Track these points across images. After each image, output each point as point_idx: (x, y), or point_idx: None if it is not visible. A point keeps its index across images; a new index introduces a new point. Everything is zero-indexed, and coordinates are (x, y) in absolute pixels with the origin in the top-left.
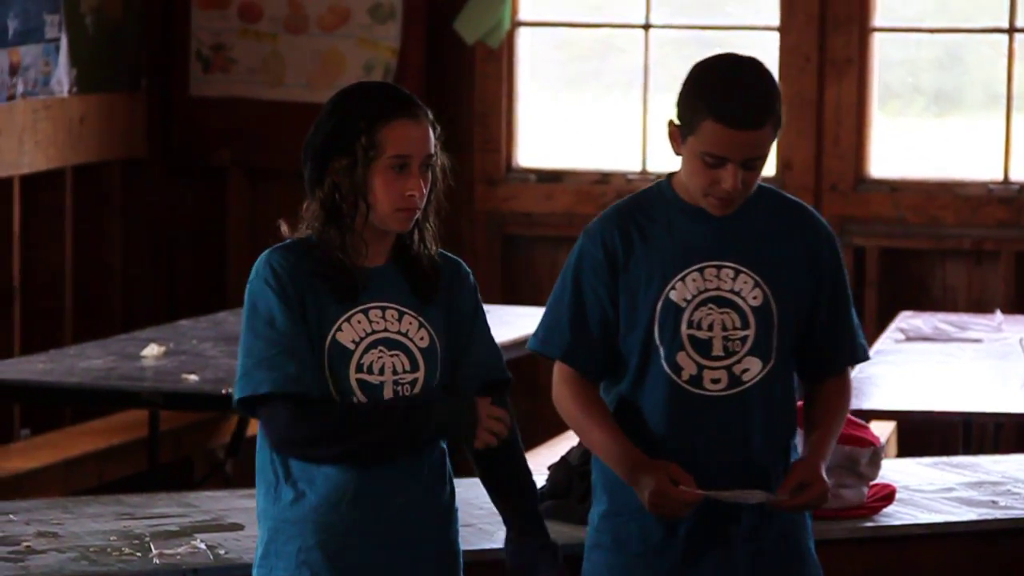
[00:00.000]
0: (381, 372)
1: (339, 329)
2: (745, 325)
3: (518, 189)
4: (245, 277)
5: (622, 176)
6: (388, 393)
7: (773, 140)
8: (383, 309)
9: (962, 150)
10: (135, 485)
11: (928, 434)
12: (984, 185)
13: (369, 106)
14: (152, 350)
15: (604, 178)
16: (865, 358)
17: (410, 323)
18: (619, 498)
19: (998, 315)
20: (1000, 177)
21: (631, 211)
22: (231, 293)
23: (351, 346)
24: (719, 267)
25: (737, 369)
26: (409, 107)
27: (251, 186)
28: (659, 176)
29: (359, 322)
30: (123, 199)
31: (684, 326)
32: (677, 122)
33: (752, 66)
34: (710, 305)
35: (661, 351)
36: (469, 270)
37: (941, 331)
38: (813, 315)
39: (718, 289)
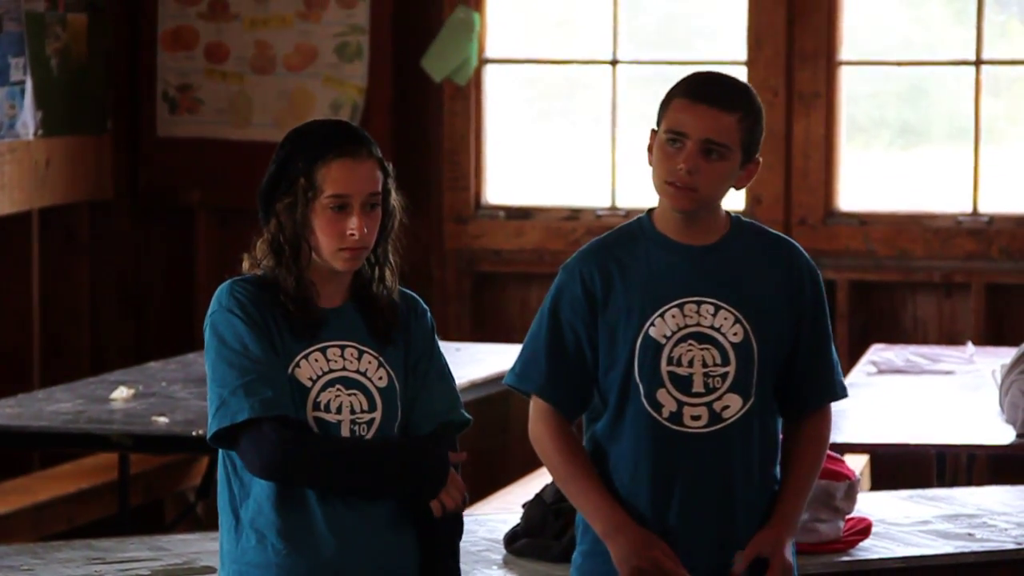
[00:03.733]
0: (339, 411)
1: (297, 366)
2: (726, 361)
3: (487, 226)
4: None
5: (591, 212)
6: (344, 432)
7: (740, 139)
8: (342, 348)
9: (929, 183)
10: (106, 529)
11: (901, 467)
12: (953, 217)
13: (309, 145)
14: (121, 393)
15: (574, 214)
16: (844, 395)
17: (369, 362)
18: (599, 538)
19: (969, 347)
20: (969, 209)
21: (611, 247)
22: (200, 334)
23: (308, 383)
24: (699, 303)
25: (717, 406)
26: (349, 145)
27: (220, 226)
28: (629, 212)
29: (316, 360)
30: (90, 241)
31: (664, 363)
32: (655, 127)
33: (734, 77)
34: (690, 341)
35: (641, 388)
36: (426, 308)
37: (913, 364)
38: (794, 351)
39: (698, 325)
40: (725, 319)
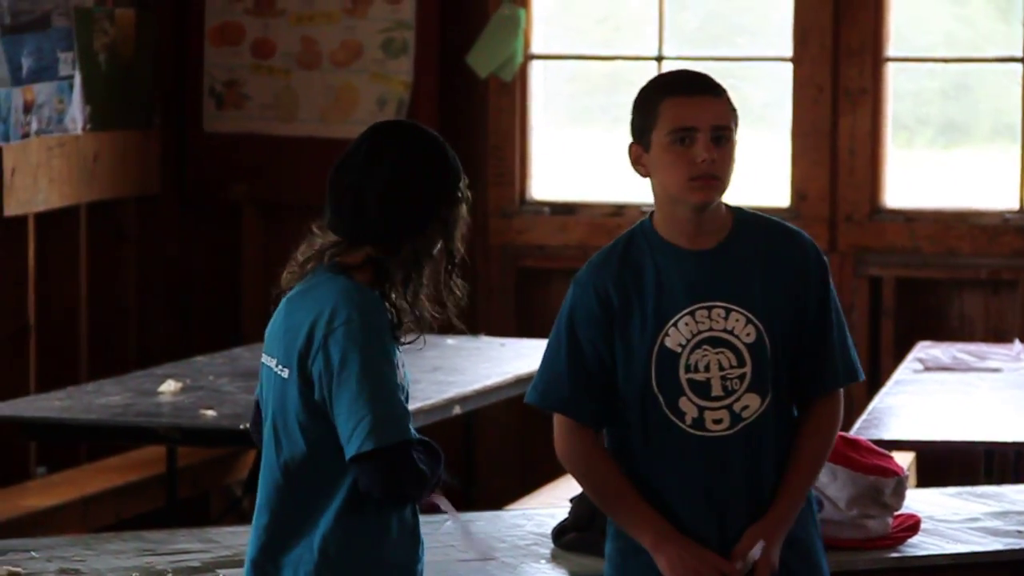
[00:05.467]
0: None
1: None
2: (741, 363)
3: (532, 222)
4: (261, 313)
5: (636, 208)
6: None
7: (732, 120)
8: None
9: (975, 180)
10: (153, 522)
11: (948, 464)
12: (1000, 214)
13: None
14: (169, 386)
15: (618, 210)
16: (854, 379)
17: None
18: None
19: (1016, 344)
20: (1016, 206)
21: (620, 257)
22: (246, 329)
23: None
24: (710, 308)
25: (737, 407)
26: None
27: (265, 221)
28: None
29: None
30: (137, 236)
31: (682, 370)
32: (636, 141)
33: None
34: (705, 346)
35: (661, 398)
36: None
37: (960, 361)
38: (800, 338)
39: (711, 330)
40: (737, 321)
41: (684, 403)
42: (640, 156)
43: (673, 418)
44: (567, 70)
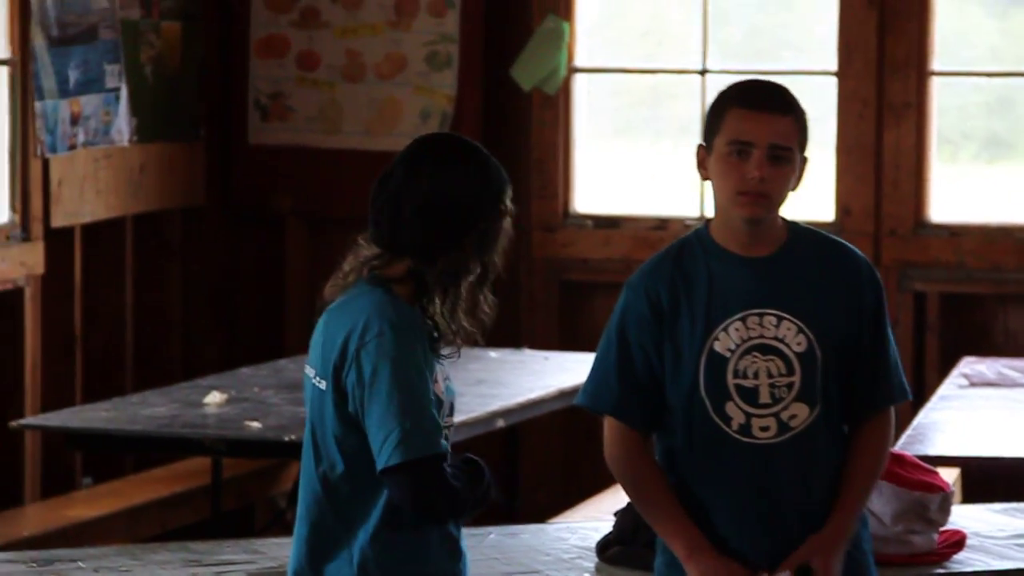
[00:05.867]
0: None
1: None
2: (790, 371)
3: (575, 235)
4: (305, 325)
5: (679, 221)
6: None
7: (797, 140)
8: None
9: (1020, 194)
10: (197, 533)
11: (994, 480)
12: None
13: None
14: (214, 397)
15: (662, 224)
16: (905, 398)
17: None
18: None
19: None
20: None
21: (673, 262)
22: (291, 341)
23: (447, 407)
24: (761, 315)
25: (784, 416)
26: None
27: (309, 233)
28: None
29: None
30: (182, 247)
31: (730, 376)
32: (703, 143)
33: (770, 81)
34: (755, 353)
35: (707, 402)
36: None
37: (1005, 376)
38: (854, 355)
39: (761, 337)
40: (788, 329)
41: (731, 408)
42: (704, 159)
43: (720, 423)
44: (611, 83)
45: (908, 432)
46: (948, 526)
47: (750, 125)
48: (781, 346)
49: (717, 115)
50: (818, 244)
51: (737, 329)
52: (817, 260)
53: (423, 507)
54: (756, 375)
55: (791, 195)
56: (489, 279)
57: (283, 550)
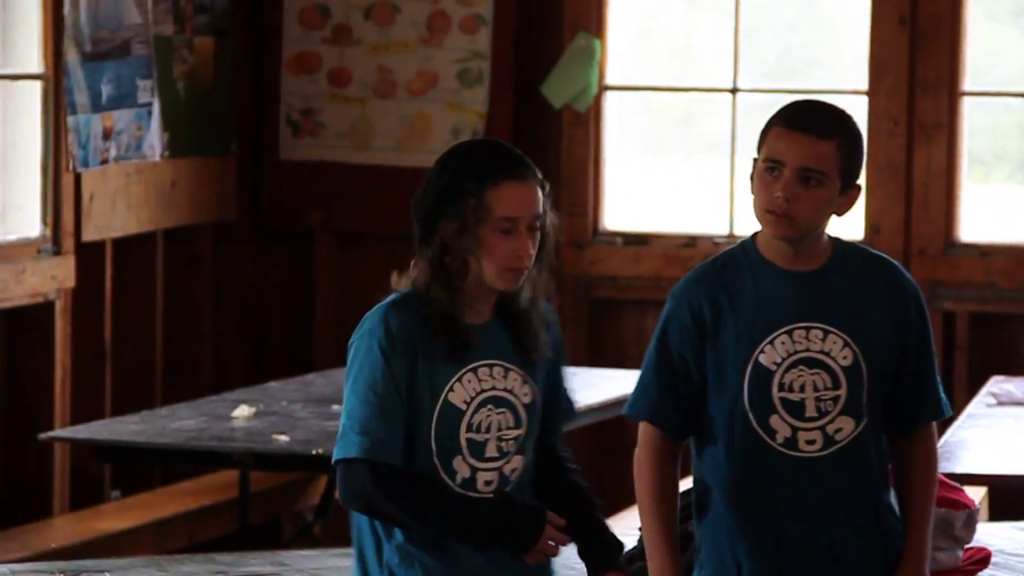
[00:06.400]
0: (488, 430)
1: (451, 389)
2: (836, 385)
3: (605, 252)
4: (333, 339)
5: (709, 239)
6: (491, 450)
7: (838, 166)
8: (491, 367)
9: None
10: (225, 546)
11: (1021, 499)
12: None
13: (478, 167)
14: (242, 411)
15: (691, 241)
16: (949, 414)
17: (515, 380)
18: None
19: None
20: None
21: (717, 273)
22: (319, 355)
23: (463, 406)
24: (807, 328)
25: (830, 429)
26: (517, 168)
27: (339, 249)
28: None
29: (470, 381)
30: (213, 262)
31: (775, 389)
32: (756, 156)
33: (832, 104)
34: (800, 367)
35: (752, 416)
36: (556, 317)
37: None
38: (899, 371)
39: (808, 351)
40: (834, 343)
41: (776, 422)
42: (753, 172)
43: (764, 436)
44: (642, 101)
45: None
46: (973, 543)
47: (784, 144)
48: (827, 360)
49: (764, 131)
50: (864, 260)
51: (783, 342)
52: (863, 275)
53: (345, 504)
54: (803, 388)
55: (833, 219)
56: (439, 276)
57: (309, 562)
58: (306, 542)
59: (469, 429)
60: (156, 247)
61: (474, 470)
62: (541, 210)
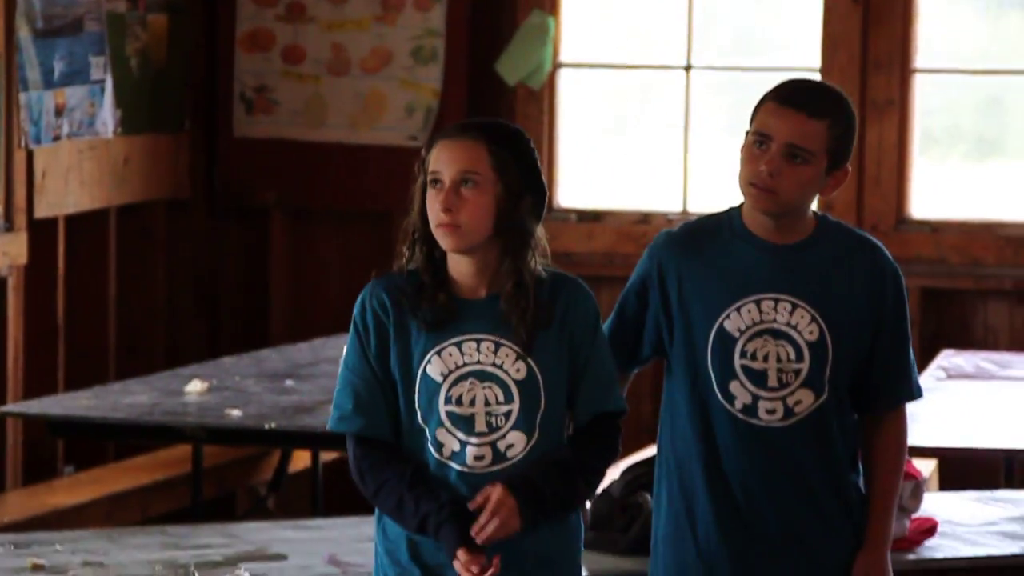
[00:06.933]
0: (472, 404)
1: (428, 362)
2: (799, 358)
3: (559, 229)
4: (288, 316)
5: (663, 216)
6: (479, 425)
7: (826, 146)
8: (478, 341)
9: (1005, 193)
10: (178, 521)
11: (969, 471)
12: None
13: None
14: (195, 386)
15: (645, 218)
16: (920, 396)
17: (507, 355)
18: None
19: None
20: None
21: (695, 234)
22: (274, 331)
23: (439, 378)
24: (776, 300)
25: (791, 401)
26: (456, 129)
27: (294, 225)
28: (700, 217)
29: (451, 355)
30: (167, 239)
31: (737, 356)
32: (748, 128)
33: (829, 84)
34: (765, 336)
35: (713, 379)
36: (589, 293)
37: (983, 370)
38: (872, 350)
39: (774, 322)
40: (801, 317)
41: (736, 388)
42: (743, 145)
43: (724, 402)
44: (596, 79)
45: None
46: (920, 514)
47: (774, 119)
48: (792, 332)
49: (758, 105)
50: (845, 238)
51: (749, 311)
52: (841, 253)
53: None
54: (765, 358)
55: (816, 199)
56: (416, 233)
57: (260, 535)
58: (260, 516)
59: (449, 402)
60: (109, 224)
61: (463, 444)
62: (478, 168)
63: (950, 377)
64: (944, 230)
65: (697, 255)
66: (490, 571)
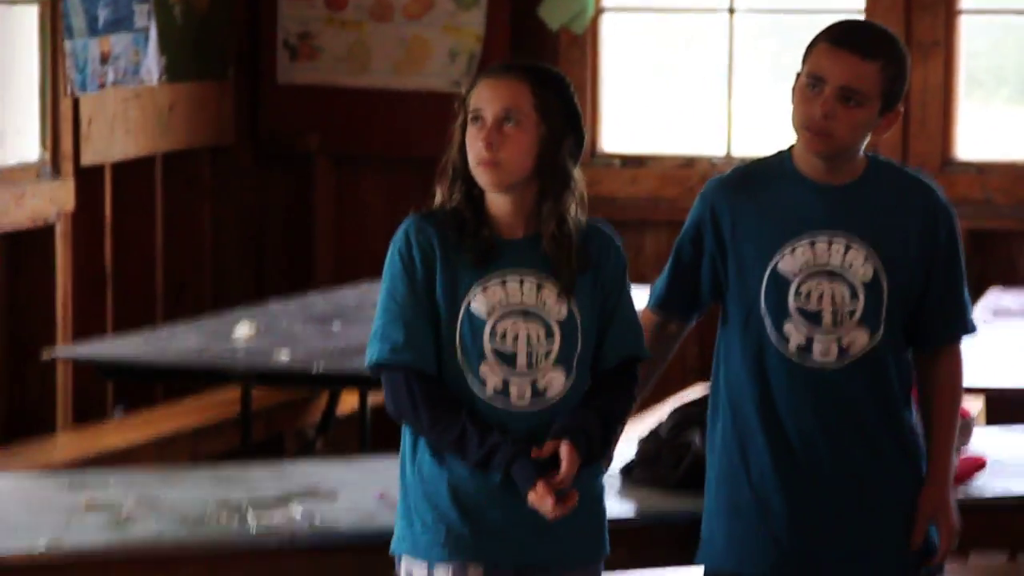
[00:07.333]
0: (515, 341)
1: (473, 298)
2: (854, 297)
3: (602, 174)
4: (332, 260)
5: (707, 160)
6: (521, 362)
7: (880, 89)
8: (520, 280)
9: None
10: (228, 461)
11: (1018, 410)
12: None
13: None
14: (244, 329)
15: (689, 162)
16: (974, 330)
17: (549, 295)
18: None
19: None
20: None
21: (747, 178)
22: (319, 276)
23: (485, 315)
24: (830, 240)
25: (845, 341)
26: (498, 68)
27: (337, 171)
28: (744, 160)
29: (495, 292)
30: (212, 185)
31: (792, 297)
32: (799, 70)
33: (881, 25)
34: (819, 278)
35: (767, 321)
36: (619, 243)
37: None
38: (927, 287)
39: (828, 263)
40: (856, 256)
41: (790, 329)
42: (795, 85)
43: (778, 343)
44: (639, 22)
45: None
46: (969, 452)
47: (828, 61)
48: (847, 272)
49: (810, 47)
50: (897, 177)
51: (803, 252)
52: (893, 192)
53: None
54: (820, 299)
55: (870, 141)
56: (457, 171)
57: (310, 473)
58: (308, 458)
59: (493, 338)
60: (155, 171)
61: (505, 381)
62: (522, 107)
63: (996, 316)
64: (990, 171)
65: (750, 197)
66: (575, 498)
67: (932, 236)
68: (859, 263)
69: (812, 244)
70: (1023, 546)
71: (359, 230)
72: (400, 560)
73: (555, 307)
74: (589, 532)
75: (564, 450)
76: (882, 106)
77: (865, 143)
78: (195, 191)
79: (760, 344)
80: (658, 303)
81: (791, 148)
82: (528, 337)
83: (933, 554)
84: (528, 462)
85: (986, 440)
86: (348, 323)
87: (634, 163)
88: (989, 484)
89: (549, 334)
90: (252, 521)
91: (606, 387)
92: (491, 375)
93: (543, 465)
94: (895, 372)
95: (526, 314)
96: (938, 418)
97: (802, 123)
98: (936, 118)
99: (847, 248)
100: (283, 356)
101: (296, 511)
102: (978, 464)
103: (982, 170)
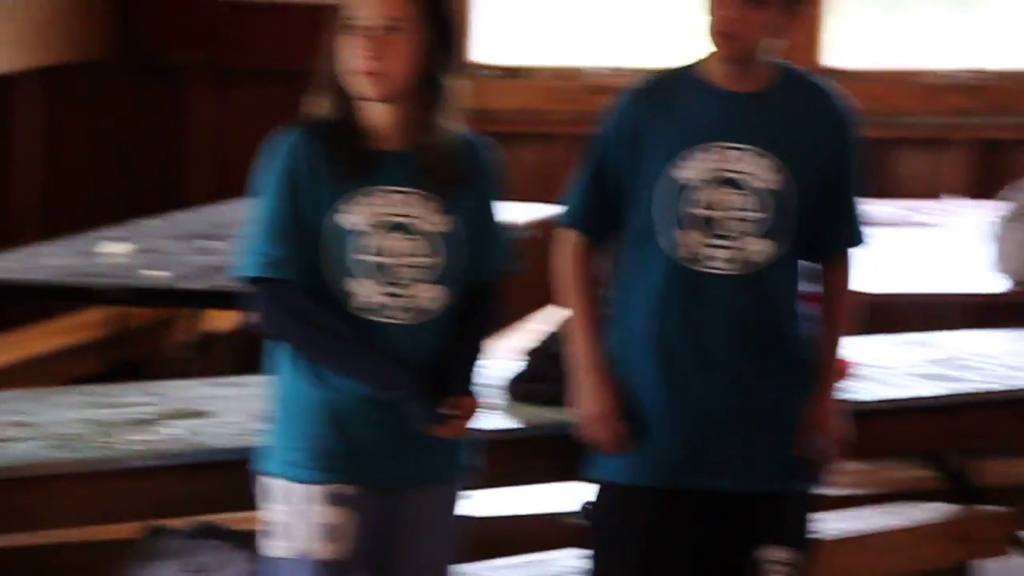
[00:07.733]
0: (391, 254)
1: (345, 210)
2: (759, 207)
3: (481, 85)
4: (207, 176)
5: (592, 71)
6: (399, 275)
7: None
8: (398, 192)
9: (916, 41)
10: (100, 382)
11: (892, 317)
12: (941, 74)
13: None
14: (115, 247)
15: (572, 73)
16: (865, 244)
17: (426, 208)
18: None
19: (957, 199)
20: (959, 66)
21: (654, 88)
22: (193, 192)
23: (358, 227)
24: (738, 148)
25: (748, 251)
26: None
27: (215, 85)
28: (633, 72)
29: (369, 204)
30: (87, 99)
31: (690, 205)
32: None
33: None
34: (718, 185)
35: (662, 228)
36: (495, 156)
37: (900, 217)
38: (824, 197)
39: (730, 170)
40: (764, 166)
41: (686, 237)
42: None
43: (670, 251)
44: None
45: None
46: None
47: None
48: (755, 181)
49: None
50: (804, 86)
51: (703, 159)
52: (801, 100)
53: (256, 325)
54: (722, 207)
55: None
56: (328, 79)
57: (185, 392)
58: (183, 378)
59: (367, 251)
60: (26, 86)
61: (380, 294)
62: (400, 14)
63: (867, 225)
64: (859, 79)
65: (653, 107)
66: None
67: (839, 144)
68: (765, 172)
69: (717, 152)
70: (895, 454)
71: (238, 146)
72: (265, 479)
73: (431, 220)
74: (455, 447)
75: (466, 404)
76: (784, 5)
77: (772, 48)
78: (69, 106)
79: (654, 253)
80: (574, 220)
81: (702, 60)
82: (403, 250)
83: (820, 463)
84: (429, 386)
85: (860, 347)
86: (222, 240)
87: (514, 74)
88: (863, 390)
89: (424, 247)
90: (128, 438)
91: (477, 306)
92: (367, 289)
93: (437, 389)
94: (791, 284)
95: (402, 227)
96: (829, 326)
97: (713, 28)
98: (803, 27)
99: (754, 157)
100: (155, 273)
101: (171, 429)
102: (843, 368)
103: (851, 78)
